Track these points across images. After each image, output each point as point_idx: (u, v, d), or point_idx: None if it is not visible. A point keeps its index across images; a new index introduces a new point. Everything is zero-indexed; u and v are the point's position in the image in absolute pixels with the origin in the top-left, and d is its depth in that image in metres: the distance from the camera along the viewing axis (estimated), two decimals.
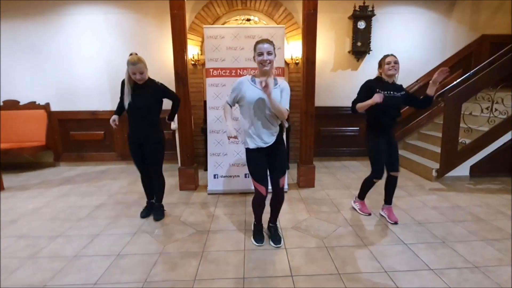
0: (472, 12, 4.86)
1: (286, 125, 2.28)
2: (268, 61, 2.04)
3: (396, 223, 2.71)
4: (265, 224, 2.53)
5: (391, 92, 2.52)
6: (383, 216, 2.86)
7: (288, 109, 2.12)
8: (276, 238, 2.39)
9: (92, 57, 4.71)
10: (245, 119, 2.17)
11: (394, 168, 2.69)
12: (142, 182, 2.93)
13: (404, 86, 5.11)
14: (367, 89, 2.54)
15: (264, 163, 2.21)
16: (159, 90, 2.68)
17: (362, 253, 2.22)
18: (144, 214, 2.90)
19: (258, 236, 2.42)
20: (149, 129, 2.67)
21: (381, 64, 2.57)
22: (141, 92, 2.59)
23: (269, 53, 2.03)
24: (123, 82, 2.62)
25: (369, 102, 2.43)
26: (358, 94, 2.61)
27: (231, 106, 2.26)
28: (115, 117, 2.69)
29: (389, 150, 2.65)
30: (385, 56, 2.55)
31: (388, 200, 2.84)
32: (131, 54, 2.51)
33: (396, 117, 2.60)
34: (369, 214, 2.89)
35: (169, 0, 3.29)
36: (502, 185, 3.71)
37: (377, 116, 2.56)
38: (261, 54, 2.04)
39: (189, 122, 3.61)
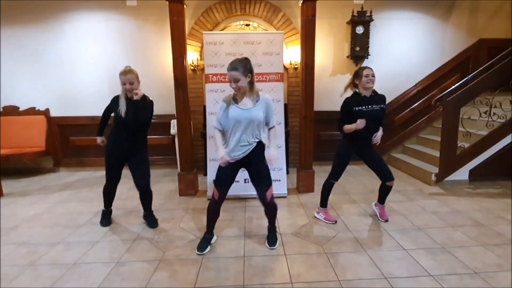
0: (469, 16, 4.90)
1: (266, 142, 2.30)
2: (236, 88, 2.13)
3: (387, 221, 2.83)
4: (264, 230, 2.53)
5: (369, 106, 2.56)
6: (374, 211, 2.98)
7: (274, 124, 2.29)
8: (270, 240, 2.43)
9: (93, 63, 4.73)
10: (226, 137, 2.29)
11: (388, 178, 2.74)
12: (107, 190, 2.84)
13: (402, 90, 5.19)
14: (346, 108, 2.60)
15: (232, 174, 2.30)
16: (147, 104, 2.58)
17: (362, 259, 2.22)
18: (106, 223, 2.88)
19: (201, 243, 2.39)
20: (137, 145, 2.65)
21: (359, 75, 2.57)
22: (134, 108, 2.51)
23: (235, 81, 2.09)
24: (113, 99, 2.64)
25: (352, 127, 2.52)
26: (340, 114, 2.66)
27: (221, 132, 2.29)
28: (102, 138, 2.84)
29: (372, 160, 2.73)
30: (362, 68, 2.57)
31: (381, 200, 2.91)
32: (125, 67, 2.54)
33: (375, 130, 2.61)
34: (335, 222, 2.85)
35: (169, 7, 3.32)
36: (501, 189, 3.72)
37: (359, 131, 2.54)
38: (230, 81, 2.13)
39: (189, 127, 3.63)
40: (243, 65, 2.09)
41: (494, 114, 3.82)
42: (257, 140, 2.20)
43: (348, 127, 2.56)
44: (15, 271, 2.14)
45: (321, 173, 4.57)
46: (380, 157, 2.76)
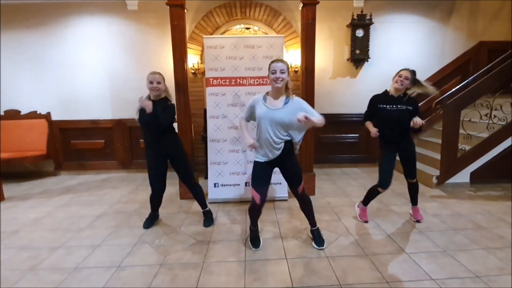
0: (469, 19, 4.91)
1: (297, 147, 2.34)
2: (280, 79, 2.15)
3: (418, 221, 2.89)
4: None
5: (394, 106, 2.56)
6: (410, 214, 3.03)
7: (318, 116, 2.18)
8: (318, 240, 2.48)
9: (94, 66, 4.76)
10: (256, 134, 2.34)
11: (409, 175, 2.83)
12: (153, 198, 2.89)
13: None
14: (372, 103, 2.70)
15: (266, 174, 2.32)
16: (167, 106, 2.66)
17: (363, 263, 2.22)
18: (147, 225, 2.90)
19: (255, 240, 2.49)
20: (172, 143, 2.75)
21: (396, 75, 2.62)
22: (157, 109, 2.53)
23: (282, 72, 2.15)
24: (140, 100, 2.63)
25: (370, 130, 2.67)
26: (367, 108, 2.77)
27: (247, 121, 2.46)
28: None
29: (403, 159, 2.78)
30: (401, 70, 2.61)
31: (413, 201, 2.96)
32: None
33: (404, 131, 2.60)
34: (366, 222, 2.91)
35: (170, 11, 3.34)
36: (503, 191, 3.71)
37: (383, 130, 2.63)
38: (274, 72, 2.16)
39: (190, 130, 3.64)
40: (285, 62, 2.21)
41: (495, 116, 3.82)
42: (284, 141, 2.23)
43: (368, 127, 2.71)
44: (17, 275, 2.14)
45: (322, 176, 4.59)
46: (411, 152, 2.76)
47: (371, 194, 2.88)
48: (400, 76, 2.53)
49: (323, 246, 2.44)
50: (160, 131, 2.63)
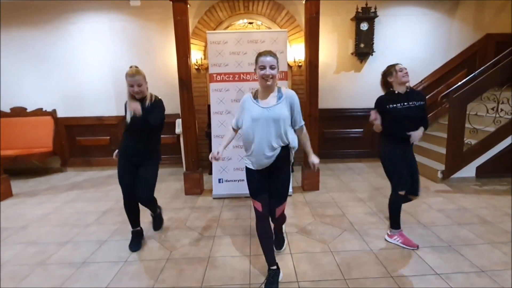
0: (476, 11, 4.83)
1: (293, 152, 2.01)
2: (270, 76, 1.86)
3: (417, 248, 2.45)
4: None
5: (405, 104, 2.33)
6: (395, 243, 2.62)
7: (302, 123, 2.01)
8: (278, 243, 2.35)
9: (98, 63, 4.77)
10: (245, 140, 2.01)
11: (413, 191, 2.40)
12: (126, 207, 2.52)
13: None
14: (379, 105, 2.39)
15: (261, 180, 1.99)
16: (154, 104, 2.38)
17: (367, 258, 2.23)
18: (136, 247, 2.46)
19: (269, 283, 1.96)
20: (148, 153, 2.43)
21: (391, 72, 2.35)
22: (145, 110, 2.29)
23: (272, 67, 1.86)
24: (125, 104, 2.43)
25: (374, 123, 2.38)
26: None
27: (235, 131, 2.11)
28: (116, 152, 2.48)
29: (406, 167, 2.38)
30: (393, 65, 2.38)
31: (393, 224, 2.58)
32: (130, 67, 2.32)
33: (415, 128, 2.34)
34: (417, 247, 2.36)
35: (173, 7, 3.33)
36: (508, 186, 3.68)
37: (396, 129, 2.35)
38: (263, 67, 1.86)
39: (194, 126, 3.65)
40: (275, 55, 1.90)
41: (502, 110, 3.77)
42: (282, 145, 1.92)
43: (375, 126, 2.39)
44: (26, 270, 2.18)
45: (326, 171, 4.59)
46: (416, 166, 2.43)
47: (396, 207, 2.43)
48: (401, 70, 2.31)
49: (280, 249, 2.35)
50: (145, 135, 2.36)
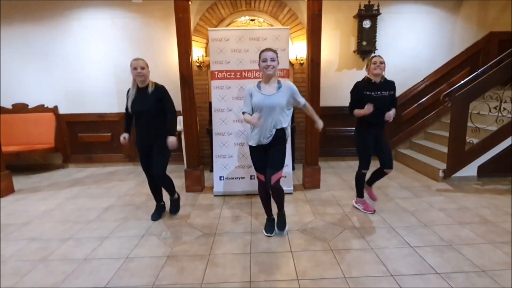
0: (480, 9, 4.79)
1: (288, 135, 2.51)
2: (271, 66, 2.32)
3: (375, 200, 3.11)
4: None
5: (378, 92, 2.69)
6: (357, 207, 3.10)
7: (304, 101, 2.50)
8: (279, 224, 2.59)
9: (100, 60, 4.77)
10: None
11: (388, 165, 2.84)
12: (150, 186, 2.95)
13: (410, 85, 5.13)
14: (356, 91, 2.76)
15: (261, 158, 2.45)
16: (159, 91, 2.68)
17: (368, 256, 2.23)
18: (156, 217, 2.94)
19: (267, 227, 2.60)
20: (157, 134, 2.70)
21: (367, 64, 2.73)
22: (144, 97, 2.64)
23: (272, 60, 2.31)
24: (127, 92, 2.73)
25: (361, 112, 2.66)
26: (350, 97, 2.84)
27: (250, 115, 2.42)
28: (125, 135, 2.78)
29: (380, 147, 2.83)
30: (372, 57, 2.72)
31: (370, 182, 3.07)
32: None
33: (383, 115, 2.69)
34: (373, 212, 2.97)
35: (174, 4, 3.31)
36: (510, 185, 3.66)
37: (367, 116, 2.68)
38: (265, 60, 2.32)
39: (195, 124, 3.64)
40: (275, 51, 2.35)
41: (504, 109, 3.75)
42: (278, 128, 2.36)
43: (358, 112, 2.71)
44: (28, 266, 2.20)
45: (327, 169, 4.58)
46: (388, 146, 2.88)
47: (360, 181, 2.99)
48: (374, 63, 2.64)
49: (282, 231, 2.57)
50: (149, 122, 2.67)
